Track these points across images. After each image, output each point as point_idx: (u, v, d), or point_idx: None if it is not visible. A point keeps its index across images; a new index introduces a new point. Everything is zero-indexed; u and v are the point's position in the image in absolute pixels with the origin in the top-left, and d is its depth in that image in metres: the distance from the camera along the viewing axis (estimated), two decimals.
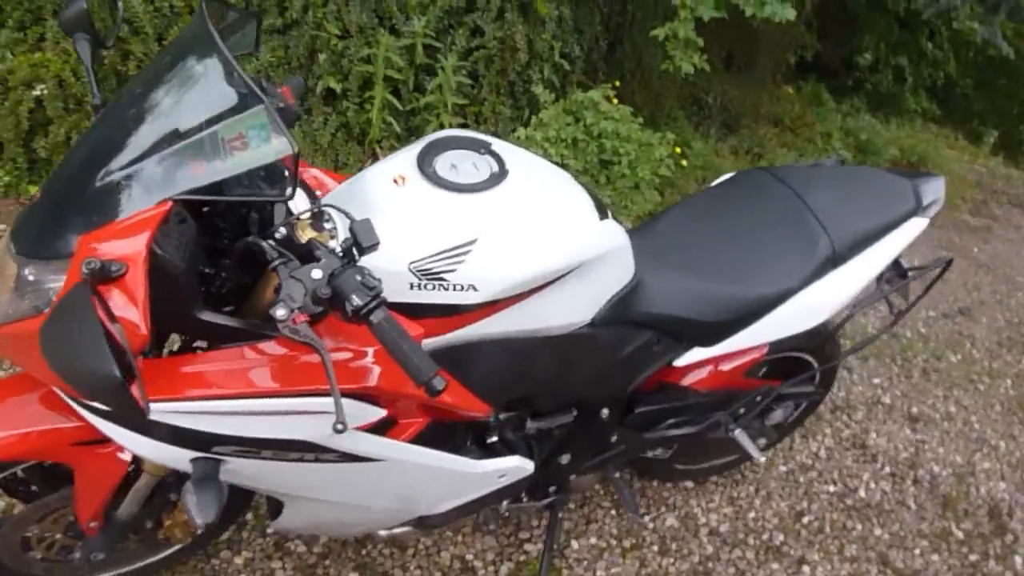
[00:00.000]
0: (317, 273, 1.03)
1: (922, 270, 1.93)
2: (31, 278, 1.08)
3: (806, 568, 2.17)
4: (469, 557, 2.01)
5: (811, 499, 2.42)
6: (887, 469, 2.62)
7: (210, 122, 1.01)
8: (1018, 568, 2.31)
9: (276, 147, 0.99)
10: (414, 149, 1.35)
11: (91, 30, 1.28)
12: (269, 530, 1.96)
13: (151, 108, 1.09)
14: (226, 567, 1.86)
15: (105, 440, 1.31)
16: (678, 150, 3.94)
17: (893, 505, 2.47)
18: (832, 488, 2.49)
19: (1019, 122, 6.79)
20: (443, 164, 1.32)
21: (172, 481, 1.49)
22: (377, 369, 1.21)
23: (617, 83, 3.89)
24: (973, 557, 2.32)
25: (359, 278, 1.02)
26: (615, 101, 3.64)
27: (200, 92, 1.07)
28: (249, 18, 1.27)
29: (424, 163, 1.31)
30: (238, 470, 1.24)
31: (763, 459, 1.99)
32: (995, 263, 4.53)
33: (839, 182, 1.87)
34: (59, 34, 3.22)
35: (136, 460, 1.37)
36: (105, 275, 0.96)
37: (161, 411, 1.12)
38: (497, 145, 1.39)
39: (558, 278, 1.35)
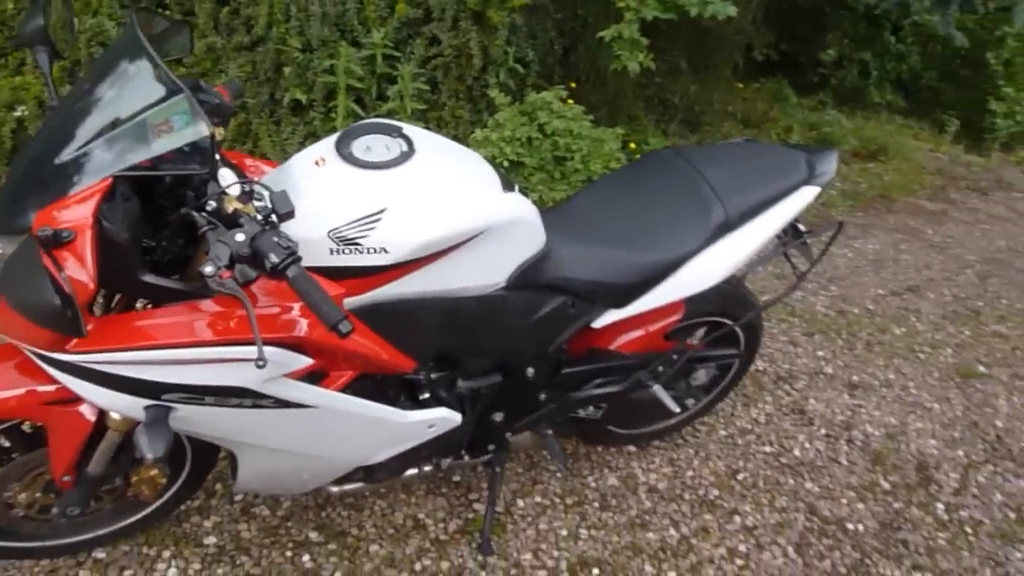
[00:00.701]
0: (240, 236, 1.22)
1: (816, 232, 2.12)
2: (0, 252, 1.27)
3: (737, 518, 2.35)
4: (421, 516, 2.19)
5: (747, 459, 2.60)
6: (823, 431, 2.80)
7: (141, 111, 1.21)
8: (939, 514, 2.48)
9: (195, 129, 1.18)
10: (334, 136, 1.55)
11: (48, 42, 1.47)
12: (237, 497, 2.14)
13: (92, 103, 1.29)
14: (196, 530, 2.04)
15: (73, 400, 1.51)
16: (633, 146, 4.14)
17: (825, 462, 2.64)
18: (768, 448, 2.66)
19: (981, 111, 6.97)
20: (359, 146, 1.52)
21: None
22: (303, 321, 1.40)
23: (573, 85, 4.10)
24: (897, 505, 2.49)
25: (276, 239, 1.21)
26: (569, 102, 3.84)
27: (132, 87, 1.27)
28: (181, 26, 1.47)
29: (341, 146, 1.51)
30: (187, 417, 1.42)
31: (678, 410, 2.16)
32: (947, 244, 4.72)
33: (736, 157, 2.06)
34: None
35: (101, 418, 1.55)
36: (57, 240, 1.16)
37: (113, 360, 1.31)
38: (408, 129, 1.59)
39: (464, 242, 1.54)
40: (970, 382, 3.24)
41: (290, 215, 1.26)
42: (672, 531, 2.27)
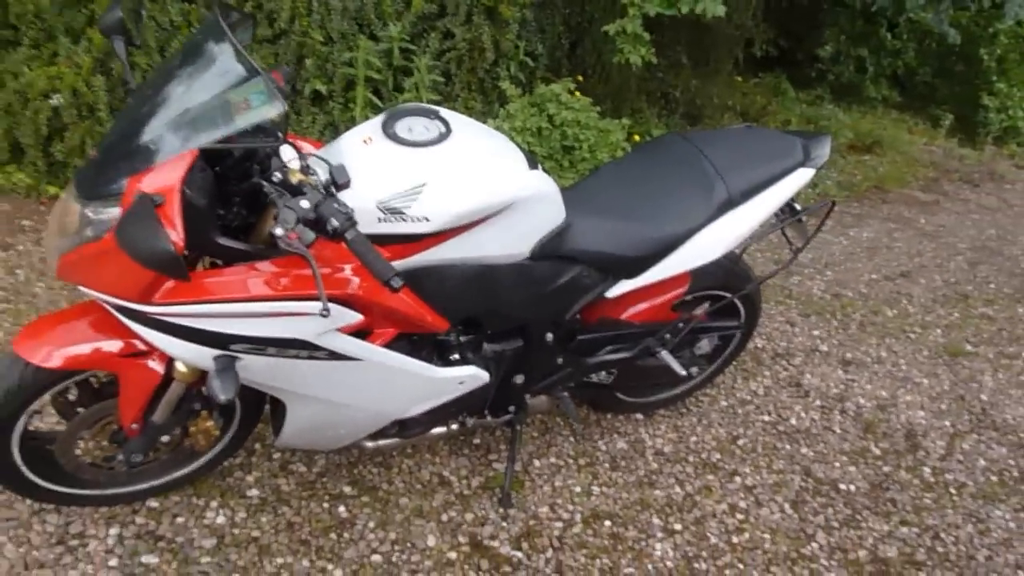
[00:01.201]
0: (305, 203, 1.39)
1: (810, 210, 2.29)
2: (91, 215, 1.45)
3: (737, 479, 2.53)
4: (446, 473, 2.36)
5: (747, 426, 2.78)
6: (818, 403, 2.98)
7: (222, 92, 1.38)
8: (926, 477, 2.67)
9: (272, 107, 1.36)
10: (379, 118, 1.73)
11: (125, 32, 1.65)
12: (275, 455, 2.32)
13: (177, 84, 1.47)
14: (239, 484, 2.22)
15: (144, 353, 1.69)
16: (637, 137, 4.32)
17: (820, 430, 2.83)
18: (767, 418, 2.85)
19: (974, 106, 7.15)
20: (402, 127, 1.70)
21: (196, 394, 1.86)
22: (355, 280, 1.58)
23: (580, 78, 4.28)
24: (886, 469, 2.68)
25: (336, 206, 1.39)
26: (577, 94, 4.01)
27: (215, 70, 1.44)
28: (246, 19, 1.64)
29: (386, 127, 1.69)
30: (250, 366, 1.60)
31: (684, 373, 2.33)
32: (939, 233, 4.90)
33: (737, 141, 2.24)
34: (71, 49, 3.60)
35: (168, 370, 1.73)
36: (148, 201, 1.33)
37: (188, 313, 1.49)
38: (444, 113, 1.76)
39: (494, 214, 1.72)
40: (958, 360, 3.42)
41: (347, 185, 1.44)
42: (677, 489, 2.45)
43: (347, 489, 2.25)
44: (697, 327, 2.37)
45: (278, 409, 1.93)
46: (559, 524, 2.25)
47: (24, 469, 1.84)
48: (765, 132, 2.37)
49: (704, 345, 2.48)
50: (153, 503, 2.11)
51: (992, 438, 2.93)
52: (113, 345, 1.67)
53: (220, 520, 2.10)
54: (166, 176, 1.36)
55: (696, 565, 2.19)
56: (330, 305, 1.53)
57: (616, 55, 3.95)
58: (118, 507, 2.07)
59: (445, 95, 3.92)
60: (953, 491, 2.62)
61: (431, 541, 2.13)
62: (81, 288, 1.54)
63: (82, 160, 3.51)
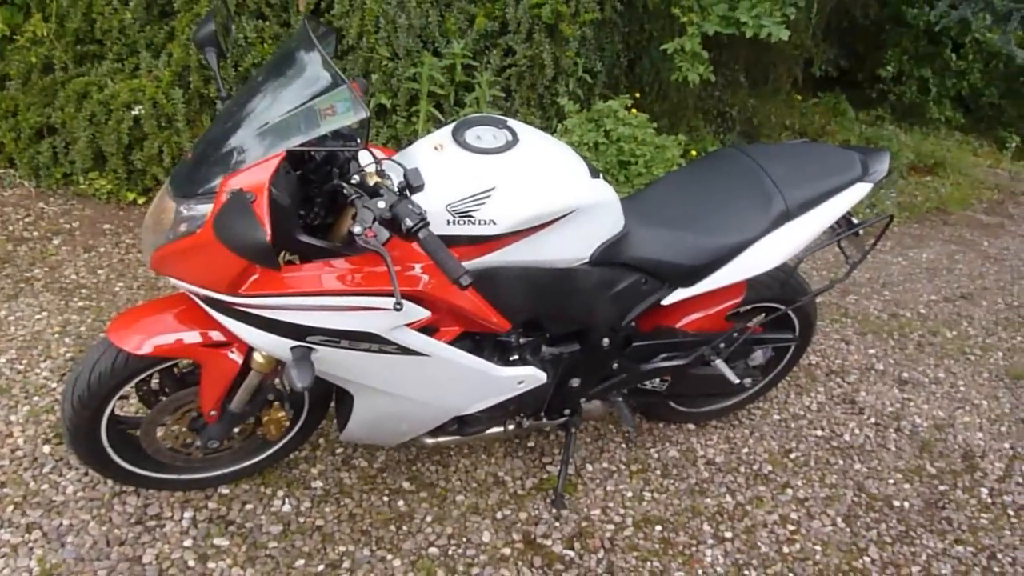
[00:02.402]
0: (381, 203, 1.48)
1: (868, 224, 2.31)
2: (184, 212, 1.57)
3: (789, 490, 2.54)
4: (500, 474, 2.43)
5: (800, 440, 2.78)
6: (872, 420, 2.96)
7: (309, 99, 1.49)
8: (983, 497, 2.63)
9: (355, 113, 1.46)
10: (449, 127, 1.82)
11: (218, 44, 1.78)
12: (338, 449, 2.42)
13: (267, 91, 1.59)
14: (304, 475, 2.32)
15: (225, 343, 1.80)
16: (693, 153, 4.35)
17: (874, 447, 2.81)
18: (820, 432, 2.84)
19: None
20: (471, 135, 1.79)
21: (270, 384, 1.97)
22: (424, 278, 1.67)
23: (637, 95, 4.34)
24: (942, 488, 2.65)
25: (411, 207, 1.48)
26: (634, 111, 4.08)
27: (302, 79, 1.55)
28: (330, 32, 1.76)
29: (457, 135, 1.78)
30: (324, 358, 1.70)
31: (738, 381, 2.36)
32: (1003, 255, 4.80)
33: (795, 155, 2.28)
34: (152, 63, 3.81)
35: (246, 360, 1.84)
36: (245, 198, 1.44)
37: (270, 305, 1.60)
38: (511, 122, 1.85)
39: (557, 219, 1.79)
40: (1021, 383, 3.36)
41: (421, 188, 1.53)
42: (728, 498, 2.47)
43: (406, 484, 2.33)
44: (752, 338, 2.40)
45: (344, 404, 2.03)
46: (611, 526, 2.29)
47: (110, 451, 1.97)
48: (823, 147, 2.39)
49: (758, 357, 2.51)
50: (224, 490, 2.22)
51: None
52: (198, 335, 1.79)
53: (286, 508, 2.20)
54: (256, 176, 1.47)
55: (746, 573, 2.21)
56: (401, 300, 1.63)
57: (674, 73, 4.01)
58: (192, 492, 2.19)
59: (505, 110, 4.02)
60: (1011, 513, 2.58)
61: (486, 537, 2.20)
62: (172, 280, 1.67)
63: (167, 167, 3.71)
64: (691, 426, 2.76)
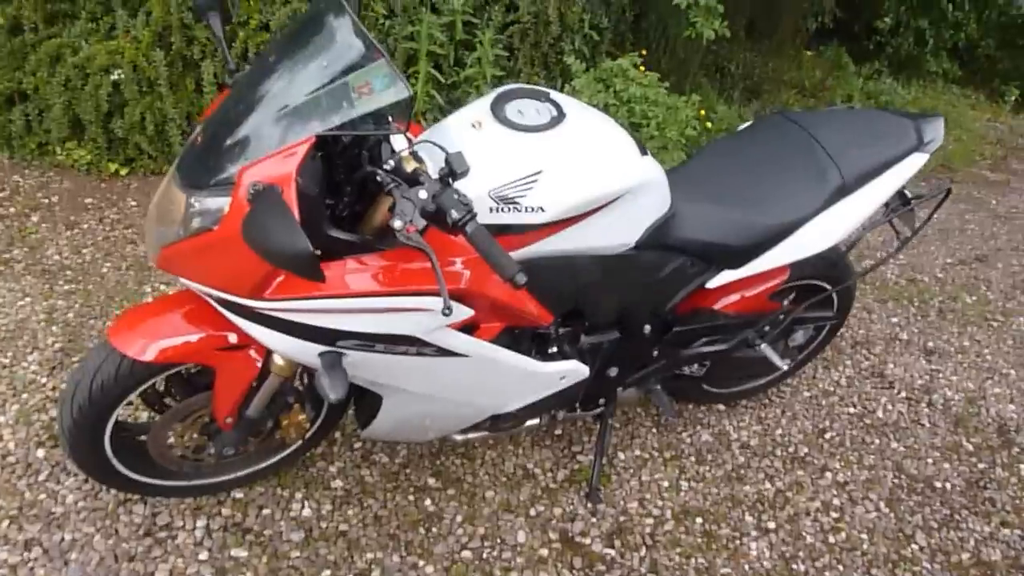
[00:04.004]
0: (423, 193, 1.30)
1: (924, 199, 2.16)
2: (197, 205, 1.38)
3: (828, 474, 2.44)
4: (530, 466, 2.30)
5: (833, 419, 2.68)
6: (903, 394, 2.86)
7: (341, 73, 1.29)
8: (1023, 475, 2.55)
9: (396, 91, 1.27)
10: (486, 100, 1.63)
11: (221, 8, 1.56)
12: (356, 444, 2.26)
13: (289, 65, 1.38)
14: (323, 475, 2.17)
15: (242, 346, 1.62)
16: (703, 113, 4.17)
17: (908, 424, 2.72)
18: (852, 410, 2.74)
19: None
20: (512, 110, 1.60)
21: (290, 386, 1.80)
22: (466, 273, 1.50)
23: (644, 52, 4.12)
24: (981, 466, 2.56)
25: (456, 197, 1.30)
26: (642, 69, 3.87)
27: (332, 51, 1.35)
28: None
29: (496, 110, 1.59)
30: (356, 362, 1.53)
31: (786, 368, 2.24)
32: (1012, 214, 4.71)
33: (848, 123, 2.11)
34: (129, 23, 3.53)
35: (265, 363, 1.66)
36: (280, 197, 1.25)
37: (298, 308, 1.42)
38: (555, 95, 1.66)
39: (607, 203, 1.62)
40: None
41: (465, 174, 1.35)
42: (767, 484, 2.36)
43: (431, 481, 2.19)
44: (797, 317, 2.26)
45: (365, 401, 1.87)
46: (650, 521, 2.18)
47: (114, 460, 1.80)
48: (875, 113, 2.24)
49: (799, 337, 2.38)
50: (238, 494, 2.07)
51: None
52: (211, 338, 1.61)
53: (306, 512, 2.05)
54: (281, 165, 1.28)
55: (794, 567, 2.11)
56: (436, 300, 1.46)
57: (687, 29, 3.80)
58: (203, 498, 2.03)
59: (508, 70, 3.80)
60: None
61: (521, 537, 2.07)
62: (182, 280, 1.48)
63: (150, 135, 3.46)
64: (721, 407, 2.64)
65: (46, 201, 3.28)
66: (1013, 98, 6.57)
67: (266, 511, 2.04)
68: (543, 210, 1.53)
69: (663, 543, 2.12)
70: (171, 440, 1.83)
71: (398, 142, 1.45)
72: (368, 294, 1.44)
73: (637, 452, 2.41)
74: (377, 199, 1.46)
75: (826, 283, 2.28)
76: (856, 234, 2.08)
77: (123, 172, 3.54)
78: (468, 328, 1.62)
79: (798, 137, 2.02)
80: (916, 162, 2.04)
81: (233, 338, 1.61)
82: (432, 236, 1.39)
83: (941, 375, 3.01)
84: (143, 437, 1.84)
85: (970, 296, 3.64)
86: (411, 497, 2.14)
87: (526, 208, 1.52)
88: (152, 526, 1.95)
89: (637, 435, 2.47)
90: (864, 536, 2.23)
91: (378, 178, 1.36)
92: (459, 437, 2.02)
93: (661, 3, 4.15)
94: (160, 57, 3.41)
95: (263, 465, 2.05)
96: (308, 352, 1.50)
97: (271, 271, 1.35)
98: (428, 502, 2.13)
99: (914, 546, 2.23)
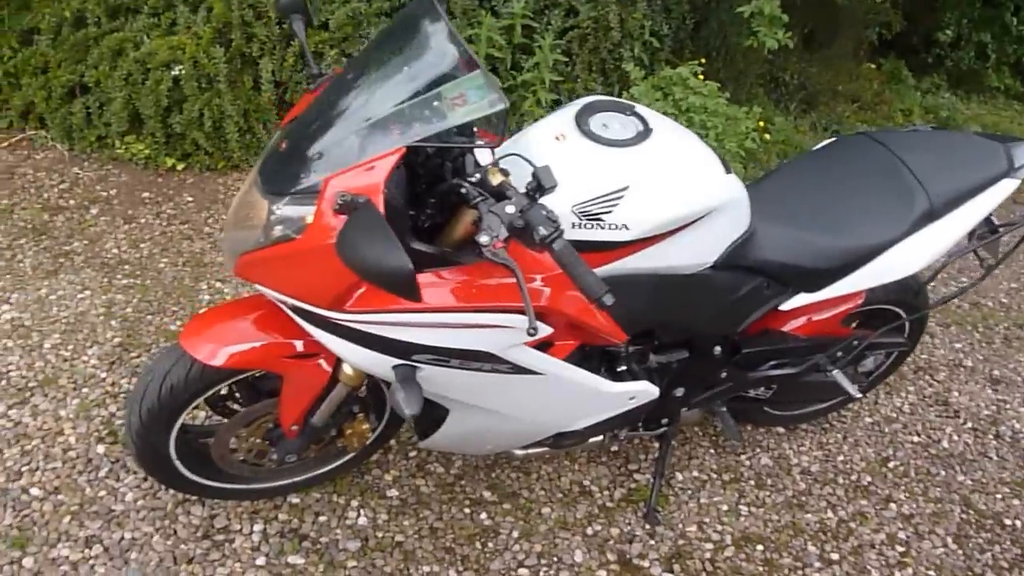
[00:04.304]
0: (511, 208, 1.26)
1: (1013, 226, 2.08)
2: (278, 212, 1.36)
3: (892, 505, 2.35)
4: (586, 483, 2.25)
5: (896, 447, 2.59)
6: (969, 424, 2.76)
7: (434, 83, 1.26)
8: None
9: (491, 102, 1.23)
10: (569, 111, 1.59)
11: (304, 10, 1.54)
12: (411, 453, 2.24)
13: (382, 72, 1.35)
14: (378, 483, 2.15)
15: (312, 354, 1.60)
16: (762, 124, 4.08)
17: (975, 456, 2.62)
18: (916, 439, 2.65)
19: None
20: (596, 123, 1.56)
21: (355, 396, 1.77)
22: (546, 291, 1.46)
23: (703, 60, 4.05)
24: None
25: (544, 213, 1.26)
26: (701, 78, 3.80)
27: (425, 61, 1.32)
28: None
29: (580, 122, 1.55)
30: (429, 377, 1.49)
31: (860, 396, 2.17)
32: None
33: (935, 144, 2.04)
34: (190, 19, 3.55)
35: (334, 373, 1.64)
36: (353, 206, 1.23)
37: (377, 321, 1.39)
38: (639, 108, 1.62)
39: (691, 222, 1.57)
40: None
41: (552, 189, 1.31)
42: (830, 513, 2.29)
43: (487, 494, 2.16)
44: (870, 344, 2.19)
45: (427, 411, 1.83)
46: (709, 546, 2.12)
47: (177, 462, 1.79)
48: (962, 136, 2.15)
49: (869, 363, 2.30)
50: (294, 499, 2.05)
51: None
52: (281, 345, 1.59)
53: (362, 521, 2.03)
54: (369, 176, 1.25)
55: None
56: (519, 317, 1.43)
57: (749, 38, 3.72)
58: (260, 502, 2.02)
59: (566, 76, 3.76)
60: None
61: (578, 557, 2.03)
62: (259, 287, 1.46)
63: (207, 131, 3.47)
64: (780, 430, 2.57)
65: (104, 194, 3.31)
66: None
67: (322, 518, 2.02)
68: (627, 228, 1.48)
69: (724, 570, 2.06)
70: (234, 444, 1.81)
71: (482, 154, 1.41)
72: (448, 309, 1.41)
73: (695, 473, 2.35)
74: (458, 212, 1.42)
75: (900, 309, 2.20)
76: (940, 262, 2.00)
77: (179, 167, 3.56)
78: (542, 346, 1.58)
79: (883, 158, 1.95)
80: (1007, 188, 1.95)
81: (303, 346, 1.59)
82: (512, 251, 1.35)
83: (1008, 406, 2.90)
84: (205, 440, 1.83)
85: None
86: (467, 510, 2.11)
87: (610, 225, 1.48)
88: (210, 528, 1.94)
89: (695, 455, 2.41)
90: (931, 573, 2.15)
91: (462, 191, 1.32)
92: (520, 452, 1.98)
93: (723, 11, 4.08)
94: (220, 54, 3.43)
95: (320, 471, 2.03)
96: (382, 365, 1.47)
97: (354, 284, 1.32)
98: (484, 516, 2.10)
99: None
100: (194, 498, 1.99)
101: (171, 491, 1.99)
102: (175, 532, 1.92)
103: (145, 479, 2.03)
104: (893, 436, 2.64)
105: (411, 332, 1.42)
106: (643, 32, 3.76)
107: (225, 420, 1.84)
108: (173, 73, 3.42)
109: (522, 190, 1.31)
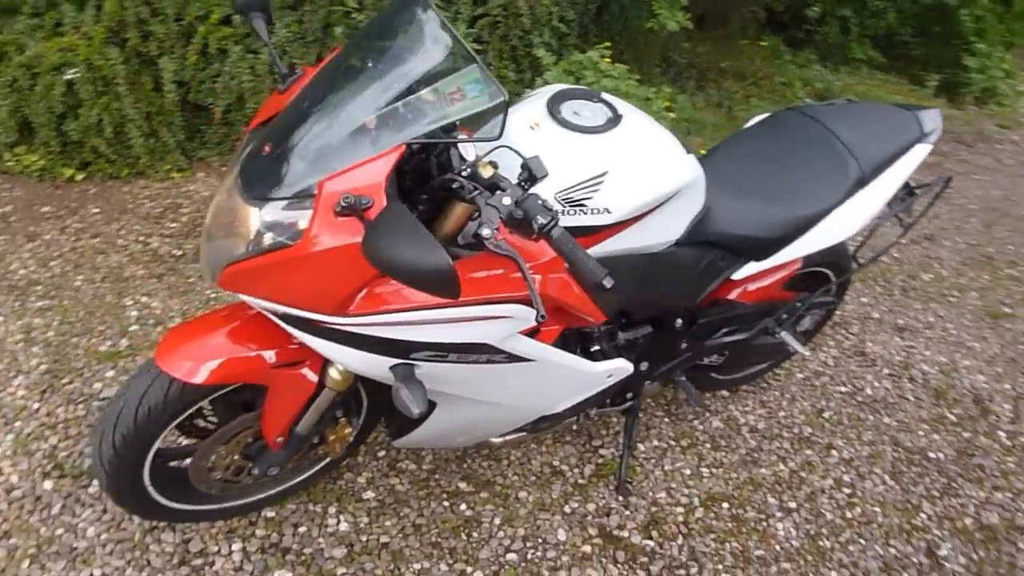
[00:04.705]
0: (507, 200, 1.28)
1: (928, 187, 2.27)
2: (268, 219, 1.31)
3: (834, 452, 2.53)
4: (556, 463, 2.30)
5: (828, 398, 2.78)
6: (885, 371, 3.00)
7: (431, 79, 1.25)
8: (1003, 441, 2.72)
9: (491, 96, 1.23)
10: (540, 100, 1.61)
11: (266, 8, 1.49)
12: (380, 454, 2.22)
13: (372, 69, 1.32)
14: (352, 486, 2.11)
15: (296, 362, 1.56)
16: (667, 103, 4.24)
17: (895, 399, 2.85)
18: (843, 388, 2.86)
19: (956, 66, 7.27)
20: (568, 111, 1.59)
21: (338, 400, 1.74)
22: (537, 277, 1.48)
23: (607, 44, 4.16)
24: (966, 435, 2.72)
25: (540, 202, 1.28)
26: (608, 61, 3.90)
27: (419, 56, 1.30)
28: None
29: (553, 111, 1.57)
30: (427, 373, 1.49)
31: (807, 353, 2.31)
32: (949, 195, 4.96)
33: (857, 115, 2.19)
34: (77, 18, 3.32)
35: (320, 379, 1.60)
36: (357, 207, 1.21)
37: (378, 323, 1.37)
38: (605, 95, 1.66)
39: (664, 202, 1.63)
40: (999, 322, 3.49)
41: (544, 178, 1.33)
42: (781, 466, 2.44)
43: (462, 485, 2.17)
44: (811, 304, 2.34)
45: (396, 408, 1.83)
46: (680, 509, 2.22)
47: (150, 489, 1.70)
48: (879, 107, 2.31)
49: (807, 322, 2.46)
50: (269, 513, 2.00)
51: None
52: (265, 356, 1.54)
53: (343, 527, 1.99)
54: (370, 175, 1.23)
55: (821, 543, 2.19)
56: (520, 307, 1.45)
57: (650, 21, 3.85)
58: (235, 520, 1.95)
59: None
60: None
61: (562, 535, 2.08)
62: (246, 298, 1.41)
63: (108, 137, 3.27)
64: (725, 393, 2.71)
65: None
66: (933, 84, 6.92)
67: (302, 528, 1.97)
68: (609, 212, 1.53)
69: (697, 531, 2.16)
70: (212, 463, 1.74)
71: (466, 149, 1.42)
72: (448, 305, 1.41)
73: (655, 443, 2.45)
74: (447, 207, 1.42)
75: (830, 271, 2.36)
76: (873, 221, 2.16)
77: (79, 177, 3.34)
78: (530, 333, 1.61)
79: (815, 130, 2.08)
80: (921, 152, 2.13)
81: (288, 355, 1.55)
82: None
83: (915, 351, 3.17)
84: (179, 463, 1.75)
85: (926, 274, 3.84)
86: (446, 503, 2.11)
87: (592, 210, 1.51)
88: (186, 554, 1.86)
89: (652, 426, 2.51)
90: (877, 509, 2.34)
91: (454, 185, 1.33)
92: (497, 440, 2.01)
93: None
94: (116, 55, 3.24)
95: (296, 481, 1.98)
96: (380, 366, 1.45)
97: (360, 287, 1.30)
98: (464, 507, 2.11)
99: (922, 515, 2.35)
100: (163, 525, 1.90)
101: (137, 520, 1.90)
102: (148, 562, 1.83)
103: (105, 511, 1.92)
104: (823, 388, 2.84)
105: (412, 331, 1.41)
106: (551, 18, 3.82)
107: (196, 440, 1.76)
108: (66, 77, 3.19)
109: (514, 181, 1.32)
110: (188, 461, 1.74)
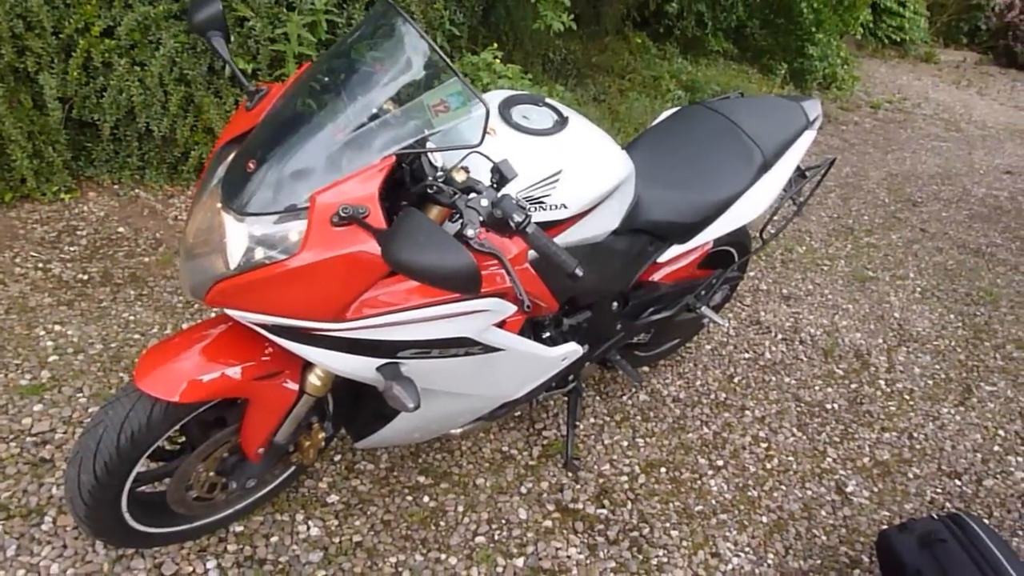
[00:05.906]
0: (484, 201, 1.39)
1: (817, 169, 2.56)
2: (258, 234, 1.35)
3: (748, 412, 2.80)
4: (505, 448, 2.42)
5: (735, 365, 3.06)
6: (779, 336, 3.32)
7: (413, 91, 1.33)
8: (884, 388, 3.09)
9: (473, 107, 1.33)
10: (491, 104, 1.72)
11: (223, 27, 1.51)
12: (336, 457, 2.26)
13: (354, 82, 1.38)
14: (315, 492, 2.15)
15: (276, 372, 1.60)
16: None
17: (791, 360, 3.17)
18: (747, 355, 3.15)
19: (799, 55, 7.96)
20: (518, 115, 1.71)
21: (314, 406, 1.78)
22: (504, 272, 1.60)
23: (495, 45, 4.30)
24: (853, 386, 3.07)
25: (515, 201, 1.40)
26: (499, 62, 4.05)
27: (398, 70, 1.37)
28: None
29: (505, 116, 1.69)
30: (411, 370, 1.57)
31: (726, 324, 2.54)
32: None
33: (753, 107, 2.44)
34: None
35: (300, 386, 1.65)
36: (354, 217, 1.28)
37: (369, 326, 1.44)
38: (548, 99, 1.79)
39: (609, 195, 1.79)
40: (866, 285, 3.93)
41: (514, 179, 1.45)
42: (705, 429, 2.67)
43: (421, 479, 2.25)
44: (725, 280, 2.57)
45: (366, 411, 1.90)
46: (624, 478, 2.40)
47: (127, 515, 1.68)
48: (769, 99, 2.58)
49: (718, 297, 2.70)
50: (237, 528, 2.00)
51: (916, 348, 3.43)
52: (248, 368, 1.57)
53: (315, 532, 2.03)
54: (362, 187, 1.30)
55: (750, 493, 2.43)
56: (499, 300, 1.56)
57: (535, 21, 4.02)
58: (204, 539, 1.95)
59: None
60: (907, 397, 3.07)
61: (523, 514, 2.20)
62: (234, 313, 1.43)
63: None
64: (646, 368, 2.92)
65: None
66: (782, 72, 7.54)
67: (274, 538, 1.99)
68: (566, 207, 1.66)
69: (643, 495, 2.35)
70: (189, 482, 1.74)
71: (435, 155, 1.51)
72: (434, 303, 1.49)
73: (592, 420, 2.62)
74: (423, 210, 1.51)
75: (734, 249, 2.61)
76: (775, 201, 2.41)
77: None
78: (499, 325, 1.72)
79: (720, 122, 2.31)
80: (808, 138, 2.41)
81: (268, 365, 1.58)
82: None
83: (801, 316, 3.52)
84: (152, 486, 1.74)
85: (800, 246, 4.25)
86: (409, 498, 2.19)
87: (551, 206, 1.64)
88: None
89: (587, 405, 2.68)
90: (791, 459, 2.62)
91: (430, 190, 1.42)
92: (458, 431, 2.10)
93: None
94: None
95: (263, 492, 2.00)
96: (367, 367, 1.52)
97: (362, 292, 1.37)
98: (427, 499, 2.19)
99: (828, 459, 2.65)
100: (130, 551, 1.87)
101: (103, 549, 1.85)
102: None
103: (65, 545, 1.86)
104: (730, 356, 3.11)
105: (402, 330, 1.49)
106: (443, 21, 3.91)
107: (162, 463, 1.76)
108: None
109: (486, 184, 1.43)
110: (161, 484, 1.73)
